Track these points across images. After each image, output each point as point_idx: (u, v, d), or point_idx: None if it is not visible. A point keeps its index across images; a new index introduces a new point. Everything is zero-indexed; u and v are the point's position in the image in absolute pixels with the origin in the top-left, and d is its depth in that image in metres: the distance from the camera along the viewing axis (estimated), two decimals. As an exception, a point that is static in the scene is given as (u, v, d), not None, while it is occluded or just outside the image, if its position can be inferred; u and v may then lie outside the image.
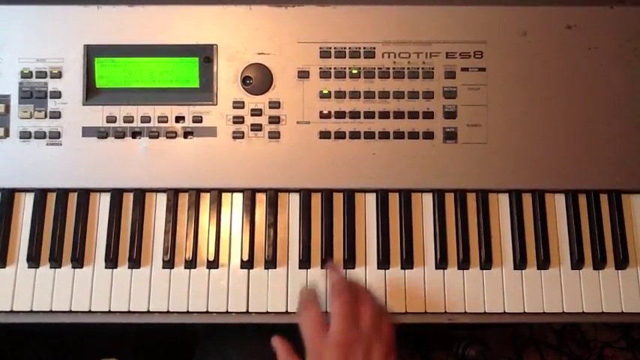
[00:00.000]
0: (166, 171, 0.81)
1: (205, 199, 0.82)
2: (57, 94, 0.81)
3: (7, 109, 0.81)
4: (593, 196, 0.82)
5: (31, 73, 0.81)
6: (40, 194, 0.81)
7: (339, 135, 0.81)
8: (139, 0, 0.82)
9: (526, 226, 0.81)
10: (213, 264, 0.79)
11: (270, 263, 0.79)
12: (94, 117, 0.81)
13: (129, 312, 0.78)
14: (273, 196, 0.81)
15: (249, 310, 0.78)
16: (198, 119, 0.81)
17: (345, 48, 0.82)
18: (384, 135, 0.81)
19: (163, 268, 0.79)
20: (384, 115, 0.81)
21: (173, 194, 0.81)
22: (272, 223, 0.80)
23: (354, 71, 0.82)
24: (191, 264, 0.79)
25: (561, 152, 0.81)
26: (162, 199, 0.81)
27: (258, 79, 0.82)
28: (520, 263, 0.80)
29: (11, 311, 0.78)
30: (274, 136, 0.81)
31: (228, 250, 0.80)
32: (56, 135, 0.81)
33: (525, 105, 0.82)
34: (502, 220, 0.82)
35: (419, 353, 0.94)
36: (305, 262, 0.79)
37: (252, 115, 0.81)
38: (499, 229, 0.81)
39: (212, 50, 0.82)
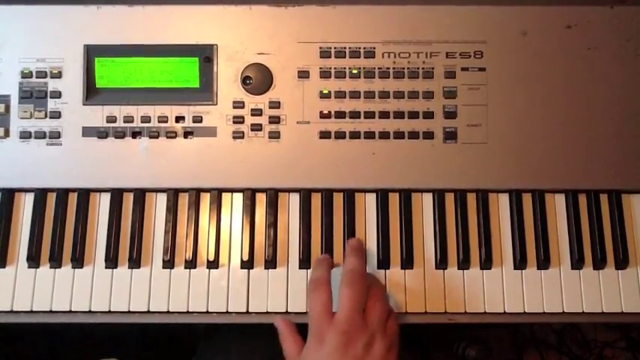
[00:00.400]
0: (166, 171, 0.81)
1: (205, 199, 0.82)
2: (57, 94, 0.81)
3: (7, 109, 0.81)
4: (593, 196, 0.82)
5: (31, 73, 0.81)
6: (40, 194, 0.81)
7: (339, 135, 0.81)
8: (139, 0, 0.82)
9: (526, 226, 0.81)
10: (213, 264, 0.79)
11: (270, 263, 0.79)
12: (94, 117, 0.81)
13: (129, 312, 0.78)
14: (273, 196, 0.81)
15: (249, 310, 0.78)
16: (198, 119, 0.81)
17: (345, 48, 0.82)
18: (384, 135, 0.81)
19: (163, 268, 0.79)
20: (384, 115, 0.81)
21: (173, 194, 0.81)
22: (272, 223, 0.80)
23: (354, 71, 0.82)
24: (191, 264, 0.79)
25: (561, 152, 0.81)
26: (162, 199, 0.81)
27: (258, 79, 0.82)
28: (520, 263, 0.80)
29: (11, 311, 0.78)
30: (274, 136, 0.81)
31: (228, 250, 0.80)
32: (56, 135, 0.81)
33: (525, 105, 0.82)
34: (502, 220, 0.82)
35: (419, 353, 0.94)
36: (305, 262, 0.79)
37: (252, 115, 0.81)
38: (499, 229, 0.81)
39: (212, 50, 0.82)
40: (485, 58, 0.82)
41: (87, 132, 0.81)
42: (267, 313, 0.78)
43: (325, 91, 0.82)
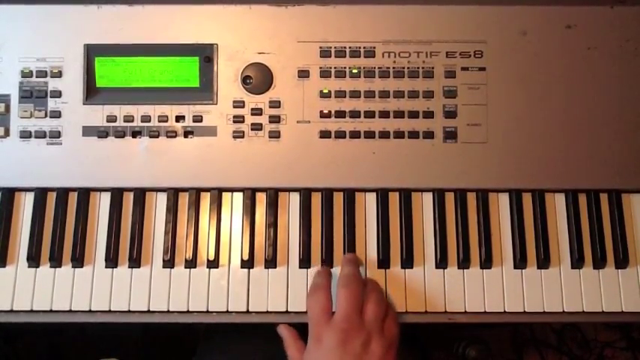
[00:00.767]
0: (166, 170, 0.81)
1: (205, 199, 0.82)
2: (57, 94, 0.81)
3: (7, 108, 0.81)
4: (593, 195, 0.82)
5: (31, 72, 0.81)
6: (40, 194, 0.81)
7: (340, 134, 0.81)
8: (139, 0, 0.82)
9: (526, 225, 0.81)
10: (213, 264, 0.79)
11: (271, 263, 0.79)
12: (94, 116, 0.81)
13: (129, 311, 0.78)
14: (273, 195, 0.81)
15: (250, 310, 0.78)
16: (198, 119, 0.81)
17: (345, 47, 0.82)
18: (384, 134, 0.81)
19: (163, 267, 0.79)
20: (384, 114, 0.81)
21: (173, 194, 0.81)
22: (272, 223, 0.80)
23: (354, 71, 0.82)
24: (191, 264, 0.79)
25: (561, 152, 0.81)
26: (162, 199, 0.81)
27: (258, 79, 0.82)
28: (520, 262, 0.80)
29: (11, 311, 0.78)
30: (274, 135, 0.81)
31: (229, 249, 0.80)
32: (56, 134, 0.81)
33: (525, 105, 0.82)
34: (502, 219, 0.82)
35: (419, 353, 0.94)
36: (305, 262, 0.79)
37: (252, 114, 0.81)
38: (499, 228, 0.81)
39: (212, 50, 0.82)
40: (485, 58, 0.82)
41: (87, 131, 0.81)
42: (267, 312, 0.78)
43: (325, 91, 0.82)
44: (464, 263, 0.79)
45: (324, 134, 0.81)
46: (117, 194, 0.81)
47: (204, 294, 0.78)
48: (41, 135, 0.81)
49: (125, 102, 0.82)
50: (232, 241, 0.81)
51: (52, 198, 0.81)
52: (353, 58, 0.82)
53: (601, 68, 0.82)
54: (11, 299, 0.78)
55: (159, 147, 0.81)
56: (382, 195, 0.81)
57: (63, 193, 0.81)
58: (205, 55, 0.82)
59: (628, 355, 1.40)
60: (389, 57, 0.82)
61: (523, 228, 0.81)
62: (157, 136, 0.81)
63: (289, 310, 0.78)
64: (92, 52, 0.82)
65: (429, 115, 0.81)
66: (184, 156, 0.81)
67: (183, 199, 0.81)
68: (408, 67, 0.82)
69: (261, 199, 0.82)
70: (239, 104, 0.82)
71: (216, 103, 0.82)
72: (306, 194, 0.81)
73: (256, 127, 0.81)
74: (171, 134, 0.81)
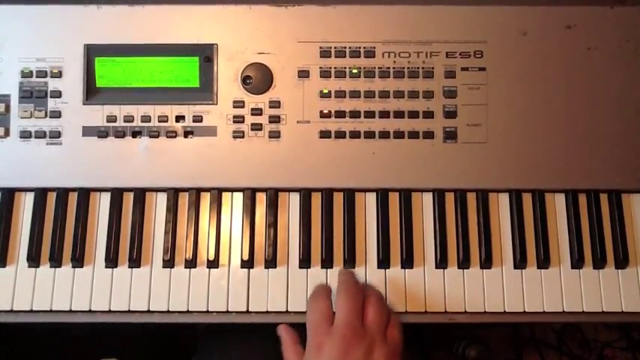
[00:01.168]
0: (166, 170, 0.81)
1: (205, 199, 0.82)
2: (57, 94, 0.81)
3: (8, 108, 0.81)
4: (593, 195, 0.82)
5: (31, 72, 0.81)
6: (40, 194, 0.81)
7: (340, 134, 0.81)
8: (139, 0, 0.82)
9: (526, 225, 0.81)
10: (213, 264, 0.79)
11: (270, 263, 0.79)
12: (94, 116, 0.81)
13: (129, 311, 0.78)
14: (273, 195, 0.81)
15: (250, 310, 0.78)
16: (198, 119, 0.81)
17: (345, 48, 0.82)
18: (384, 135, 0.81)
19: (163, 267, 0.79)
20: (384, 114, 0.81)
21: (173, 194, 0.81)
22: (272, 223, 0.80)
23: (354, 71, 0.82)
24: (191, 264, 0.79)
25: (561, 152, 0.81)
26: (162, 199, 0.81)
27: (258, 79, 0.82)
28: (520, 263, 0.80)
29: (11, 311, 0.78)
30: (274, 135, 0.81)
31: (228, 249, 0.80)
32: (56, 134, 0.81)
33: (525, 105, 0.82)
34: (502, 219, 0.82)
35: (419, 353, 0.94)
36: (305, 262, 0.79)
37: (252, 114, 0.81)
38: (499, 228, 0.81)
39: (212, 50, 0.82)
40: (485, 58, 0.82)
41: (87, 132, 0.81)
42: (267, 312, 0.78)
43: (325, 91, 0.82)
44: (464, 263, 0.79)
45: (324, 134, 0.81)
46: (117, 194, 0.81)
47: (204, 294, 0.78)
48: (41, 135, 0.81)
49: (125, 102, 0.82)
50: (232, 241, 0.81)
51: (52, 198, 0.81)
52: (353, 58, 0.82)
53: (601, 68, 0.82)
54: (11, 299, 0.78)
55: (159, 147, 0.81)
56: (382, 195, 0.81)
57: (63, 193, 0.81)
58: (205, 55, 0.82)
59: (628, 355, 1.40)
60: (389, 57, 0.82)
61: (523, 228, 0.81)
62: (157, 136, 0.81)
63: (289, 310, 0.78)
64: (92, 52, 0.82)
65: (429, 115, 0.81)
66: (184, 156, 0.81)
67: (183, 199, 0.81)
68: (408, 67, 0.82)
69: (261, 199, 0.82)
70: (239, 104, 0.82)
71: (216, 103, 0.82)
72: (306, 194, 0.81)
73: (256, 127, 0.81)
74: (171, 134, 0.81)
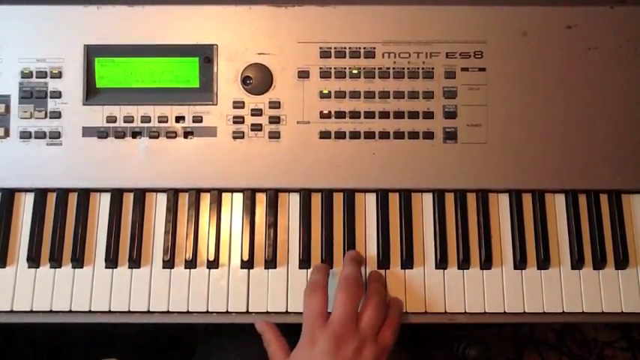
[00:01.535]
0: (166, 171, 0.81)
1: (205, 199, 0.82)
2: (57, 94, 0.81)
3: (7, 109, 0.81)
4: (593, 196, 0.82)
5: (31, 73, 0.81)
6: (40, 194, 0.81)
7: (339, 135, 0.81)
8: (139, 0, 0.82)
9: (526, 226, 0.81)
10: (213, 264, 0.79)
11: (270, 263, 0.79)
12: (94, 117, 0.81)
13: (129, 312, 0.78)
14: (273, 196, 0.81)
15: (250, 310, 0.78)
16: (198, 119, 0.81)
17: (345, 48, 0.82)
18: (384, 135, 0.81)
19: (163, 268, 0.79)
20: (384, 115, 0.81)
21: (173, 194, 0.81)
22: (272, 223, 0.80)
23: (354, 71, 0.82)
24: (191, 264, 0.79)
25: (561, 152, 0.81)
26: (162, 199, 0.81)
27: (258, 79, 0.82)
28: (520, 263, 0.80)
29: (11, 311, 0.78)
30: (274, 136, 0.81)
31: (228, 250, 0.80)
32: (56, 135, 0.81)
33: (525, 105, 0.82)
34: (502, 220, 0.82)
35: (419, 353, 0.94)
36: (305, 262, 0.79)
37: (252, 115, 0.81)
38: (499, 229, 0.81)
39: (212, 50, 0.82)
40: (485, 58, 0.82)
41: (87, 132, 0.81)
42: (267, 313, 0.78)
43: (325, 91, 0.82)
44: (464, 264, 0.79)
45: (324, 135, 0.81)
46: (117, 195, 0.81)
47: (204, 294, 0.78)
48: (41, 135, 0.81)
49: (125, 102, 0.82)
50: (232, 242, 0.81)
51: (52, 198, 0.81)
52: (353, 59, 0.82)
53: (601, 68, 0.82)
54: (11, 300, 0.78)
55: (159, 147, 0.81)
56: (382, 195, 0.81)
57: (63, 194, 0.81)
58: (205, 55, 0.82)
59: (628, 355, 1.40)
60: (389, 57, 0.82)
61: (523, 228, 0.81)
62: (157, 137, 0.81)
63: (289, 310, 0.78)
64: (92, 52, 0.82)
65: (428, 115, 0.81)
66: (184, 156, 0.81)
67: (183, 200, 0.81)
68: (408, 68, 0.82)
69: (261, 199, 0.82)
70: (239, 105, 0.82)
71: (216, 104, 0.82)
72: (306, 195, 0.81)
73: (256, 127, 0.81)
74: (171, 135, 0.81)
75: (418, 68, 0.82)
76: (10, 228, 0.81)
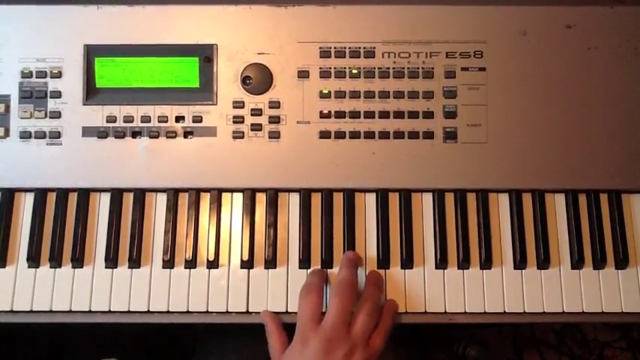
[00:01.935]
0: (166, 171, 0.81)
1: (205, 199, 0.82)
2: (57, 94, 0.81)
3: (7, 108, 0.81)
4: (593, 196, 0.82)
5: (31, 72, 0.81)
6: (40, 194, 0.81)
7: (339, 135, 0.81)
8: (139, 0, 0.82)
9: (526, 226, 0.81)
10: (213, 264, 0.79)
11: (270, 263, 0.79)
12: (94, 117, 0.81)
13: (129, 312, 0.78)
14: (273, 196, 0.81)
15: (249, 310, 0.78)
16: (198, 119, 0.81)
17: (345, 48, 0.82)
18: (384, 135, 0.81)
19: (163, 268, 0.79)
20: (384, 114, 0.81)
21: (173, 194, 0.81)
22: (272, 223, 0.80)
23: (354, 71, 0.82)
24: (191, 264, 0.79)
25: (561, 152, 0.81)
26: (162, 199, 0.81)
27: (258, 79, 0.82)
28: (520, 263, 0.80)
29: (11, 311, 0.78)
30: (274, 135, 0.81)
31: (228, 250, 0.80)
32: (56, 135, 0.81)
33: (525, 105, 0.82)
34: (502, 219, 0.82)
35: (419, 353, 0.94)
36: (305, 262, 0.79)
37: (252, 114, 0.81)
38: (499, 228, 0.81)
39: (212, 50, 0.82)
40: (485, 58, 0.82)
41: (87, 132, 0.81)
42: (267, 312, 0.78)
43: (325, 91, 0.82)
44: (464, 264, 0.79)
45: (324, 134, 0.81)
46: (117, 194, 0.81)
47: (204, 294, 0.78)
48: (41, 135, 0.81)
49: (125, 102, 0.82)
50: (232, 242, 0.81)
51: (51, 198, 0.81)
52: (353, 59, 0.82)
53: (601, 68, 0.82)
54: (11, 299, 0.78)
55: (159, 147, 0.81)
56: (382, 195, 0.81)
57: (63, 194, 0.81)
58: (205, 55, 0.82)
59: (628, 355, 1.40)
60: (389, 57, 0.82)
61: (523, 228, 0.81)
62: (157, 137, 0.81)
63: (289, 310, 0.78)
64: (92, 52, 0.82)
65: (428, 115, 0.81)
66: (184, 156, 0.81)
67: (183, 200, 0.81)
68: (408, 68, 0.82)
69: (261, 199, 0.82)
70: (239, 105, 0.82)
71: (216, 104, 0.82)
72: (306, 194, 0.81)
73: (256, 127, 0.81)
74: (171, 134, 0.81)
75: (418, 68, 0.82)
76: (10, 228, 0.81)
